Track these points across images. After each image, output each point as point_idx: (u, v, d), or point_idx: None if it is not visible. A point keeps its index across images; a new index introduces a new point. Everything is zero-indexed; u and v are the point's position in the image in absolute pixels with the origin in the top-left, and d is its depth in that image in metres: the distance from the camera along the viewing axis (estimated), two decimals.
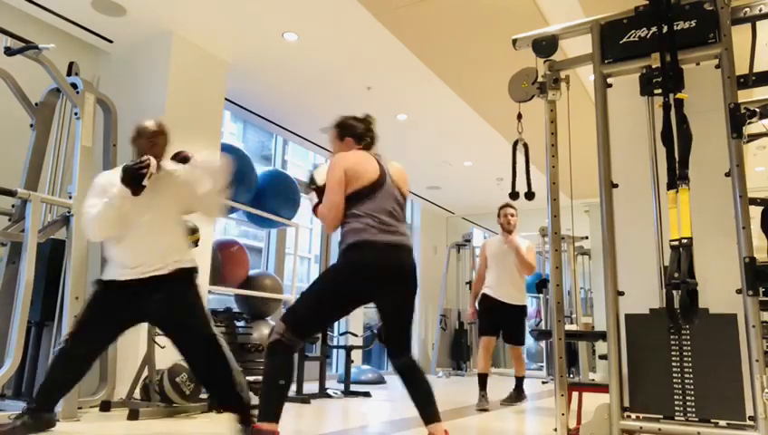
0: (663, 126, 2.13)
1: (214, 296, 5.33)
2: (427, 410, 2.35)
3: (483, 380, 4.51)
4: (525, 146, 2.80)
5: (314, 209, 2.54)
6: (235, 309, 5.17)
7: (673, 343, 2.13)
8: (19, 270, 3.32)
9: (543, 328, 6.61)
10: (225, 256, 4.99)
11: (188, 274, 2.71)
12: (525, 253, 4.69)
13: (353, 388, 5.53)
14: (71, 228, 3.51)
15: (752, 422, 1.95)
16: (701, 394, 2.06)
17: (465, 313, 9.49)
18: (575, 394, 3.12)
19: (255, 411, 2.31)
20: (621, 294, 2.26)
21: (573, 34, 2.61)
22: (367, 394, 5.32)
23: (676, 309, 1.94)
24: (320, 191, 2.52)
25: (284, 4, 4.14)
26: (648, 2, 2.33)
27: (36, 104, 3.88)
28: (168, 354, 3.93)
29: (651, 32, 2.33)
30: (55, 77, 3.59)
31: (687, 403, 2.07)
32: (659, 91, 2.22)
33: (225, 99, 5.06)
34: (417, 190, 8.93)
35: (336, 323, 7.65)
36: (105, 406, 3.59)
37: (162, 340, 3.88)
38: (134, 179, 2.53)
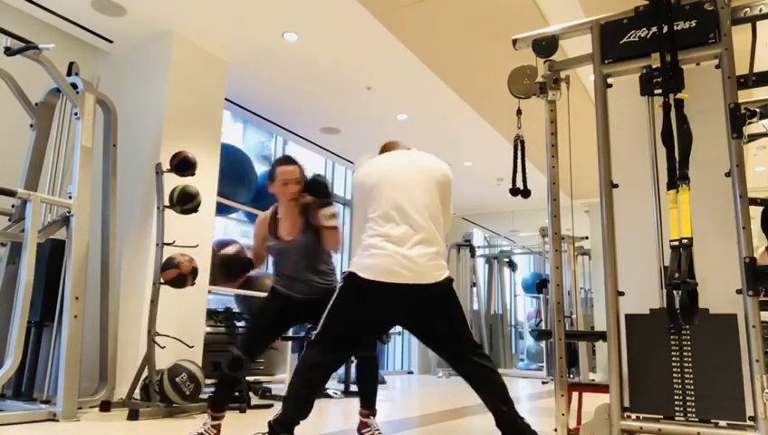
0: (663, 126, 2.13)
1: (214, 296, 5.33)
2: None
3: None
4: (522, 143, 2.79)
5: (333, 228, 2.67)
6: (235, 309, 5.18)
7: (673, 343, 2.13)
8: (19, 270, 3.32)
9: (543, 328, 6.61)
10: None
11: None
12: None
13: (353, 388, 5.53)
14: (71, 228, 3.51)
15: (752, 422, 1.95)
16: (701, 394, 2.06)
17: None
18: (575, 394, 3.12)
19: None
20: (621, 294, 2.26)
21: (573, 34, 2.61)
22: None
23: (676, 309, 1.94)
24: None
25: (284, 4, 4.14)
26: (647, 2, 2.33)
27: (36, 104, 3.88)
28: (168, 354, 3.93)
29: (651, 32, 2.33)
30: (55, 77, 3.59)
31: (687, 403, 2.07)
32: (659, 91, 2.22)
33: (225, 99, 5.06)
34: None
35: None
36: (105, 406, 3.59)
37: (162, 340, 3.88)
38: None
